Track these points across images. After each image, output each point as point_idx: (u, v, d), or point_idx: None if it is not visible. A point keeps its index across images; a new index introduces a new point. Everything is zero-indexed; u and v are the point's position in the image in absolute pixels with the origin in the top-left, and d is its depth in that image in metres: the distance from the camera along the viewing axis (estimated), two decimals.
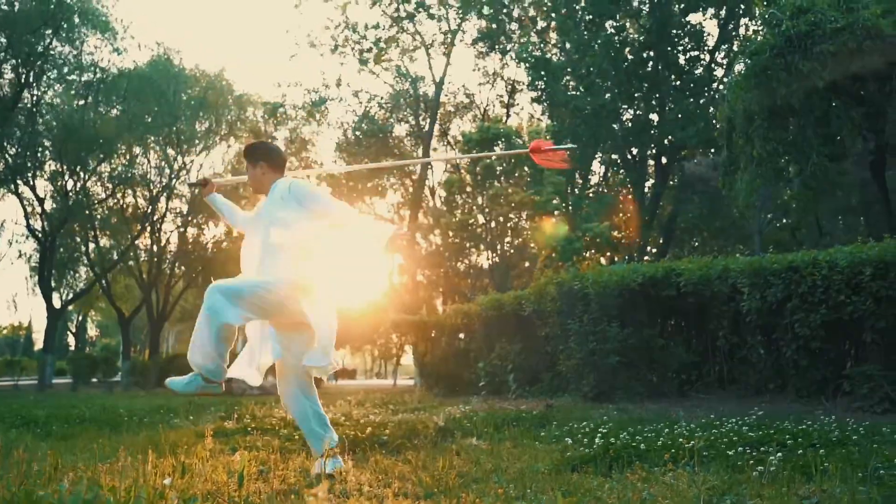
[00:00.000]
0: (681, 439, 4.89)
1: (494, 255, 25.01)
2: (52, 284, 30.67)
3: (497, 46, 31.79)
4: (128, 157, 30.08)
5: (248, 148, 4.74)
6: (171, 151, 30.66)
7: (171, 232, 32.93)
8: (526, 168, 25.27)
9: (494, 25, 31.04)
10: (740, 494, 3.21)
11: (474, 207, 26.02)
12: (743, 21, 28.43)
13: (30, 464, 3.56)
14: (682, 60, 28.30)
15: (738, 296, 8.86)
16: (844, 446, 4.51)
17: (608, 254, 29.06)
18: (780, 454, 4.23)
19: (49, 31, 24.85)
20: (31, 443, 5.21)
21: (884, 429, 5.39)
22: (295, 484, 3.75)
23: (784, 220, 28.81)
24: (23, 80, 25.42)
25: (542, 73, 28.08)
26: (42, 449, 3.95)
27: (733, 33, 28.39)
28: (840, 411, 7.13)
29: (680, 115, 26.19)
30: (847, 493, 3.04)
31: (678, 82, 27.80)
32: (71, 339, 62.15)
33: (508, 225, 24.87)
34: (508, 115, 33.53)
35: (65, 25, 25.17)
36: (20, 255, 32.96)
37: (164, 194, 31.07)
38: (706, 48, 28.51)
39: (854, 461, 3.86)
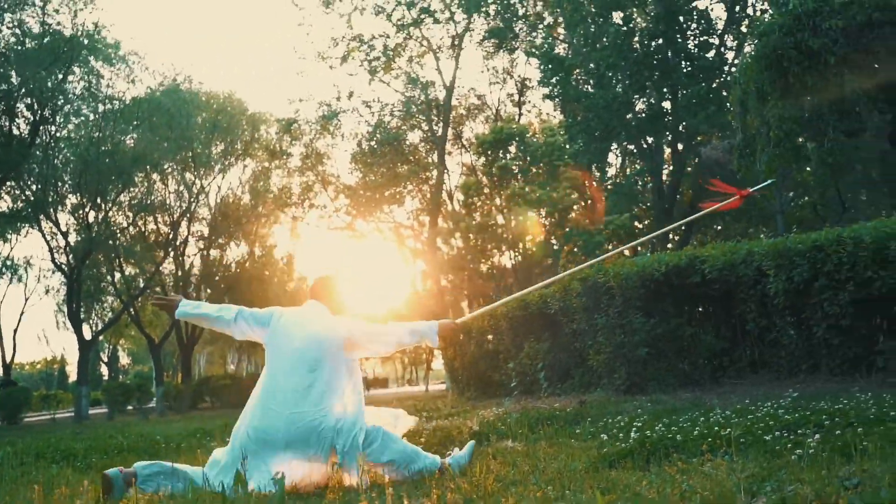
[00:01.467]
0: (717, 427, 4.87)
1: (517, 254, 24.99)
2: (81, 316, 30.99)
3: (505, 45, 31.83)
4: (146, 184, 30.38)
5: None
6: (188, 175, 30.92)
7: (195, 255, 33.24)
8: (542, 165, 25.25)
9: (501, 24, 31.07)
10: (780, 480, 3.19)
11: (493, 208, 26.01)
12: (750, 2, 28.30)
13: (72, 501, 3.60)
14: (691, 46, 28.19)
15: (764, 279, 8.80)
16: (882, 423, 4.46)
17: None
18: (817, 436, 4.19)
19: (61, 69, 25.13)
20: (73, 477, 5.27)
21: None
22: (334, 501, 3.78)
23: (805, 198, 28.58)
24: (38, 117, 25.73)
25: (553, 69, 28.08)
26: (83, 483, 3.99)
27: (741, 15, 28.25)
28: (875, 387, 7.06)
29: (693, 101, 26.09)
30: (888, 471, 3.02)
31: (689, 68, 27.68)
32: (104, 369, 62.71)
33: (528, 224, 24.82)
34: (521, 114, 33.54)
35: (76, 61, 25.43)
36: (48, 291, 33.44)
37: (185, 218, 31.34)
38: (715, 32, 28.39)
39: (893, 439, 3.83)
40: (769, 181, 6.91)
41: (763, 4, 27.42)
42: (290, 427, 4.23)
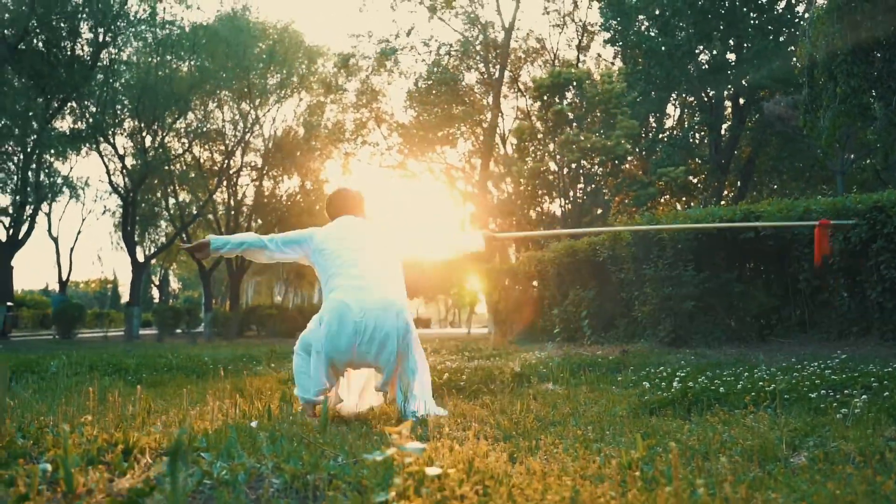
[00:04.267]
0: (761, 382, 4.83)
1: (567, 202, 24.80)
2: (136, 239, 31.62)
3: None
4: (202, 111, 30.62)
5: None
6: (244, 105, 31.08)
7: (247, 185, 33.57)
8: (598, 113, 24.90)
9: None
10: (823, 436, 3.16)
11: (546, 154, 25.77)
12: None
13: (124, 408, 3.72)
14: None
15: None
16: None
17: (684, 199, 28.60)
18: (864, 396, 4.15)
19: None
20: (124, 389, 5.43)
21: None
22: (376, 427, 3.84)
23: (868, 160, 27.83)
24: (100, 40, 25.96)
25: (616, 13, 27.48)
26: (134, 394, 4.11)
27: None
28: None
29: (758, 54, 25.39)
30: None
31: (757, 20, 26.88)
32: (155, 292, 64.20)
33: (581, 171, 24.57)
34: (580, 59, 32.99)
35: None
36: (105, 211, 34.13)
37: (239, 148, 31.59)
38: None
39: None
40: (851, 222, 6.82)
41: None
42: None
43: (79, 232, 63.55)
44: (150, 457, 2.44)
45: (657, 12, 27.05)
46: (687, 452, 2.83)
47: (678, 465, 1.92)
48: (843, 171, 22.56)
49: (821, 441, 3.06)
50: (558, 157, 24.52)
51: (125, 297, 47.52)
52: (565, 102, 24.94)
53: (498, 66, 31.69)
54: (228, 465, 2.21)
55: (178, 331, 30.28)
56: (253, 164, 33.09)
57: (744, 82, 27.36)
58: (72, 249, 40.59)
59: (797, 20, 26.88)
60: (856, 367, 5.65)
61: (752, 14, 27.03)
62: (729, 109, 30.71)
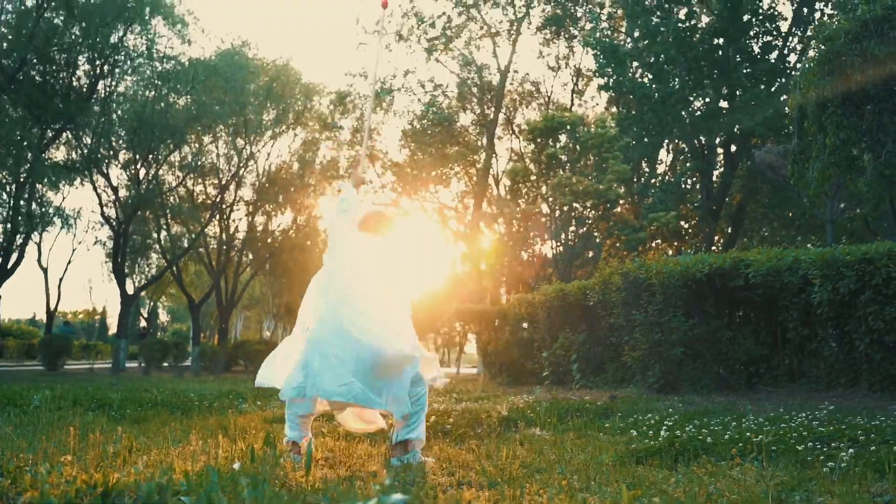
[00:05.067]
0: (748, 433, 4.82)
1: (558, 244, 24.84)
2: (126, 271, 31.47)
3: (563, 33, 31.61)
4: (197, 145, 30.68)
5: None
6: (239, 140, 31.17)
7: (240, 220, 33.53)
8: (591, 157, 25.05)
9: (560, 11, 30.85)
10: (810, 490, 3.15)
11: (538, 197, 25.87)
12: (818, 6, 27.70)
13: (105, 446, 3.68)
14: (754, 46, 27.69)
15: (808, 287, 8.68)
16: None
17: (675, 244, 28.72)
18: (851, 450, 4.14)
19: (122, 24, 25.45)
20: (107, 425, 5.37)
21: None
22: (360, 470, 3.81)
23: (858, 210, 28.01)
24: (97, 72, 26.08)
25: (611, 60, 27.77)
26: (117, 431, 4.07)
27: (808, 18, 27.67)
28: None
29: (751, 103, 25.65)
30: None
31: (749, 69, 27.21)
32: (143, 324, 63.82)
33: (573, 214, 24.66)
34: (573, 104, 33.29)
35: (137, 18, 25.74)
36: (96, 242, 34.00)
37: (233, 183, 31.62)
38: (780, 34, 27.84)
39: None
40: None
41: (830, 9, 26.83)
42: None
43: (69, 262, 63.27)
44: (128, 499, 2.41)
45: (651, 60, 27.35)
46: None
47: None
48: (832, 220, 22.66)
49: (807, 496, 3.05)
50: (550, 199, 24.61)
51: (113, 329, 47.24)
52: (558, 145, 25.10)
53: (493, 108, 31.96)
54: None
55: (165, 364, 30.05)
56: (246, 198, 33.12)
57: (736, 130, 27.60)
58: (61, 279, 40.49)
59: (789, 70, 27.22)
60: (843, 419, 5.65)
61: (744, 63, 27.34)
62: (721, 156, 30.95)
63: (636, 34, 28.38)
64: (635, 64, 28.78)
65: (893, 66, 12.22)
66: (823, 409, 6.50)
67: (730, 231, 31.33)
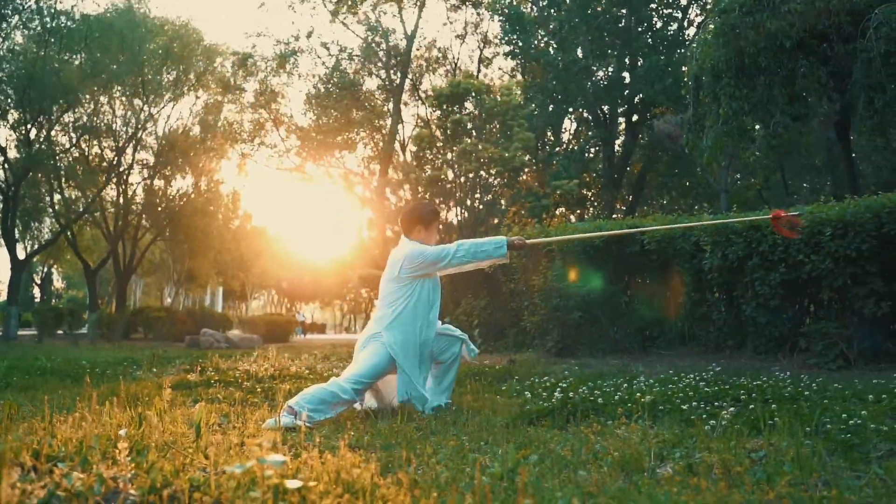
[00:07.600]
0: (637, 393, 4.97)
1: (464, 211, 25.00)
2: (17, 235, 30.22)
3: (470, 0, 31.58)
4: (92, 106, 29.52)
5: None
6: (137, 101, 30.12)
7: (138, 184, 32.51)
8: (496, 125, 25.20)
9: None
10: (690, 447, 3.27)
11: (444, 163, 25.92)
12: None
13: None
14: (655, 17, 28.23)
15: (700, 254, 8.96)
16: (795, 402, 4.61)
17: (578, 211, 29.24)
18: (732, 409, 4.31)
19: None
20: None
21: (835, 385, 5.52)
22: (253, 435, 3.77)
23: (751, 180, 29.06)
24: None
25: (516, 27, 27.89)
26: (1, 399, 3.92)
27: None
28: (796, 368, 7.27)
29: (651, 72, 26.20)
30: (793, 446, 3.11)
31: (650, 39, 27.76)
32: (36, 291, 61.60)
33: (478, 181, 24.82)
34: (480, 71, 33.35)
35: None
36: None
37: (131, 145, 30.59)
38: (679, 6, 28.46)
39: (803, 416, 3.94)
40: (799, 212, 6.91)
41: None
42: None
43: None
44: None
45: (555, 27, 27.60)
46: (558, 463, 2.88)
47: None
48: (726, 190, 23.44)
49: (687, 452, 3.16)
50: (456, 166, 24.70)
51: (3, 296, 45.41)
52: (464, 112, 25.16)
53: (399, 74, 31.75)
54: (83, 476, 2.12)
55: (60, 332, 29.10)
56: (145, 161, 32.08)
57: (636, 100, 28.20)
58: None
59: (688, 42, 27.89)
60: (728, 380, 5.88)
61: (645, 33, 27.88)
62: (623, 125, 31.59)
63: (542, 2, 28.57)
64: (541, 32, 29.00)
65: (784, 39, 12.63)
66: (710, 371, 6.75)
67: (630, 199, 32.08)
